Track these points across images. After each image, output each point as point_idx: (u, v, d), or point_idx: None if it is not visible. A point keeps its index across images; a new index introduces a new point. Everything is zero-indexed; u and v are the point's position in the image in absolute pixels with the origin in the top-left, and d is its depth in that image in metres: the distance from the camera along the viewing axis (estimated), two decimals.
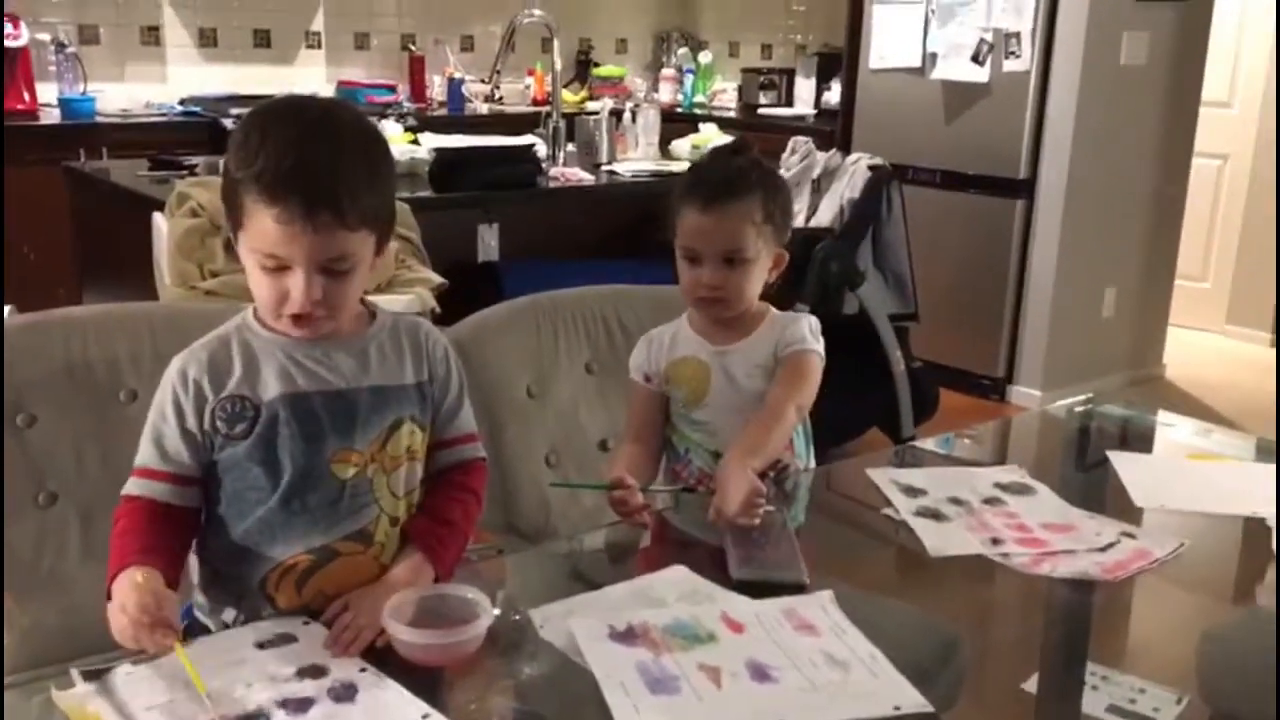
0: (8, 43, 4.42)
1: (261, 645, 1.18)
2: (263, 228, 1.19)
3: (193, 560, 1.35)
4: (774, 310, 1.69)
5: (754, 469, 1.48)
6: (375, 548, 1.31)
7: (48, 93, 4.64)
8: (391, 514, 1.32)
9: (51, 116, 4.55)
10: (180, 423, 1.27)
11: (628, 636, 1.19)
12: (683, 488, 1.64)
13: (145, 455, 1.29)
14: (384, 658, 1.15)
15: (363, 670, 1.13)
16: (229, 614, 1.32)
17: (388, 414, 1.31)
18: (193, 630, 1.35)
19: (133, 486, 1.28)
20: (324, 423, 1.28)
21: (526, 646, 1.20)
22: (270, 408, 1.27)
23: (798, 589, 1.31)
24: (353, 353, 1.31)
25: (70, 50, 4.64)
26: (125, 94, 4.86)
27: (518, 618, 1.24)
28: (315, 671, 1.13)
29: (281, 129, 1.22)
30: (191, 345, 1.31)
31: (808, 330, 1.65)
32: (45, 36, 4.66)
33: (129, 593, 1.15)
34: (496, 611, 1.20)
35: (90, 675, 1.12)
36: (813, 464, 1.77)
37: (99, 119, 4.56)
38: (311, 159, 1.19)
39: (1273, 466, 1.71)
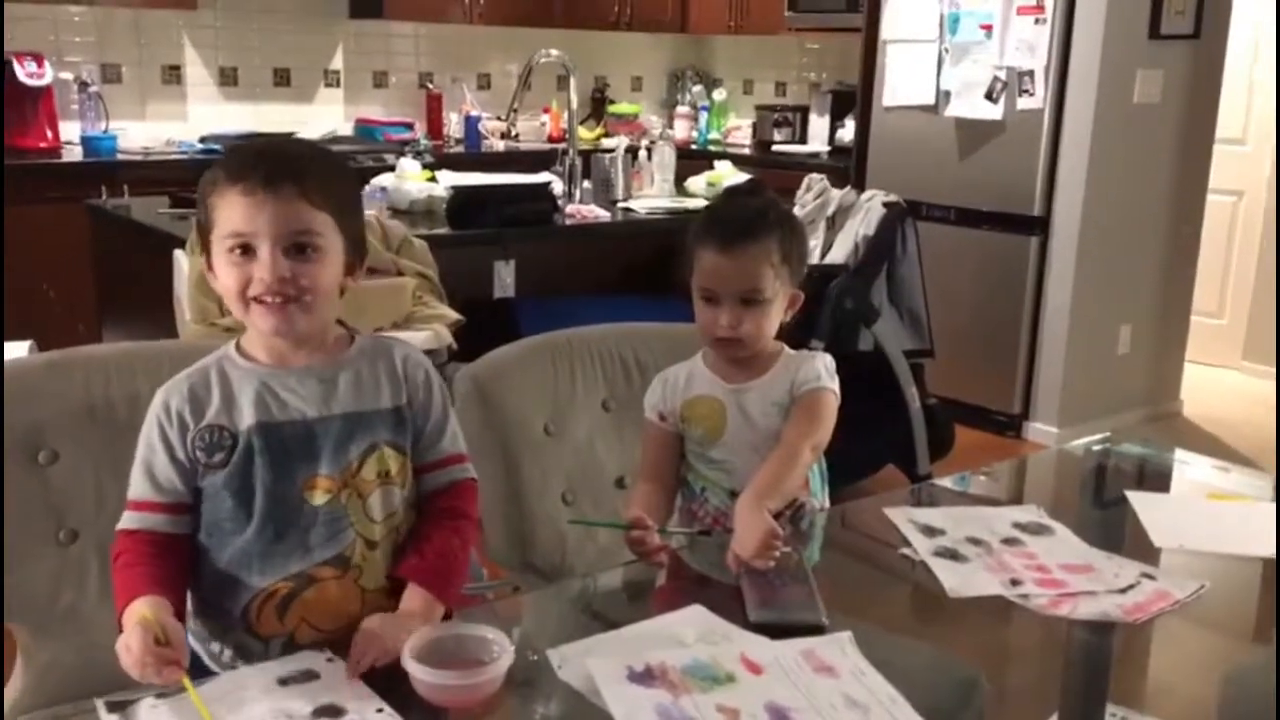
0: (32, 82, 4.48)
1: (284, 682, 1.18)
2: (229, 208, 1.26)
3: None
4: (788, 349, 1.69)
5: (769, 509, 1.48)
6: (354, 571, 1.32)
7: (70, 131, 4.70)
8: (368, 538, 1.33)
9: (74, 154, 4.60)
10: (169, 453, 1.30)
11: (646, 677, 1.19)
12: (700, 530, 1.64)
13: (137, 488, 1.32)
14: (403, 697, 1.15)
15: (380, 711, 1.13)
16: (215, 646, 1.34)
17: (361, 439, 1.33)
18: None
19: (128, 521, 1.31)
20: (293, 451, 1.30)
21: (544, 687, 1.20)
22: (246, 437, 1.30)
23: (816, 630, 1.31)
24: (325, 380, 1.34)
25: (93, 89, 4.70)
26: (146, 132, 4.92)
27: (535, 658, 1.24)
28: (333, 711, 1.13)
29: (264, 145, 1.35)
30: (175, 377, 1.34)
31: (823, 369, 1.65)
32: (68, 75, 4.72)
33: (134, 630, 1.17)
34: (512, 648, 1.20)
35: (115, 706, 1.13)
36: (827, 503, 1.76)
37: (120, 157, 4.62)
38: (276, 147, 1.33)
39: None
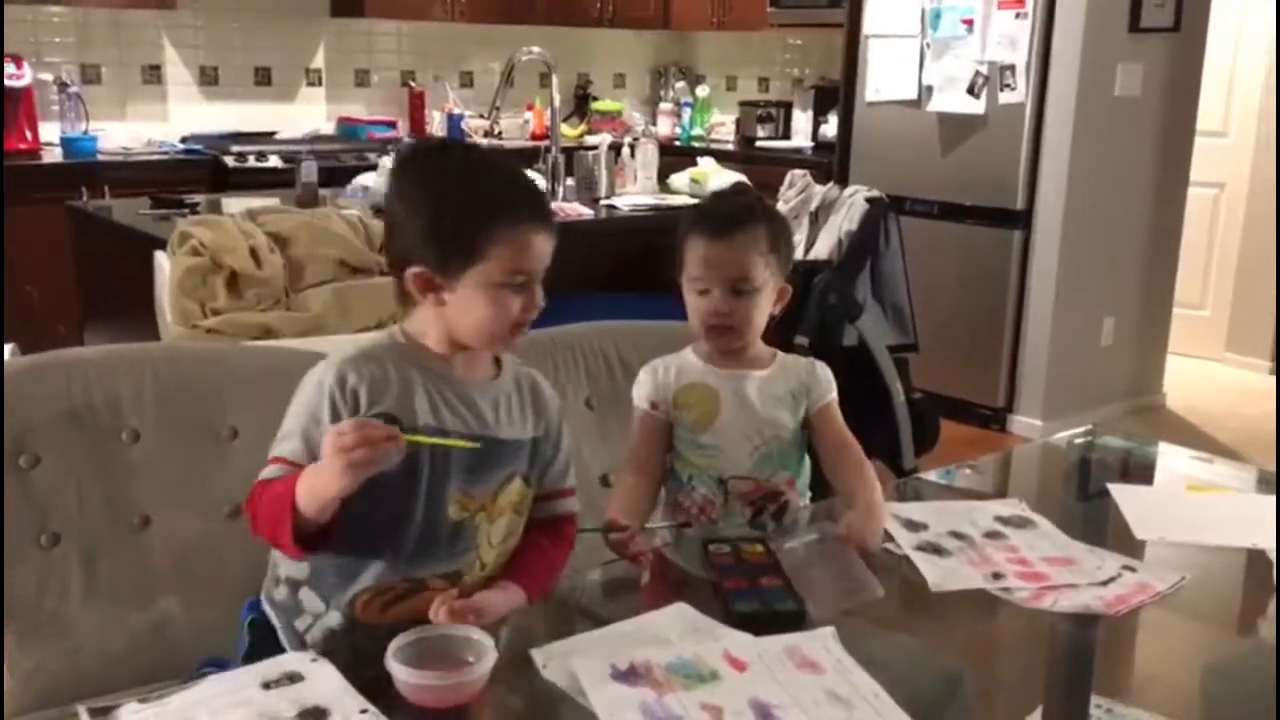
0: (11, 83, 4.46)
1: (267, 685, 1.18)
2: (521, 246, 1.32)
3: (275, 555, 1.38)
4: (781, 353, 1.74)
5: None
6: (462, 587, 1.36)
7: (50, 132, 4.67)
8: (484, 560, 1.39)
9: (54, 155, 4.58)
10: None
11: (630, 675, 1.19)
12: (681, 523, 1.64)
13: (291, 448, 1.30)
14: (388, 698, 1.14)
15: (364, 712, 1.13)
16: (301, 622, 1.36)
17: (505, 467, 1.38)
18: (256, 626, 1.38)
19: (273, 472, 1.30)
20: (454, 463, 1.33)
21: (528, 686, 1.20)
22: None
23: (798, 618, 1.31)
24: (488, 400, 1.38)
25: (73, 90, 4.68)
26: (127, 132, 4.90)
27: (519, 657, 1.24)
28: (317, 714, 1.12)
29: (485, 163, 1.38)
30: (346, 353, 1.34)
31: (829, 380, 1.72)
32: (48, 76, 4.70)
33: (328, 440, 1.18)
34: (496, 648, 1.20)
35: (97, 713, 1.12)
36: (807, 499, 1.77)
37: (101, 157, 4.59)
38: (521, 174, 1.43)
39: (1274, 498, 1.72)
